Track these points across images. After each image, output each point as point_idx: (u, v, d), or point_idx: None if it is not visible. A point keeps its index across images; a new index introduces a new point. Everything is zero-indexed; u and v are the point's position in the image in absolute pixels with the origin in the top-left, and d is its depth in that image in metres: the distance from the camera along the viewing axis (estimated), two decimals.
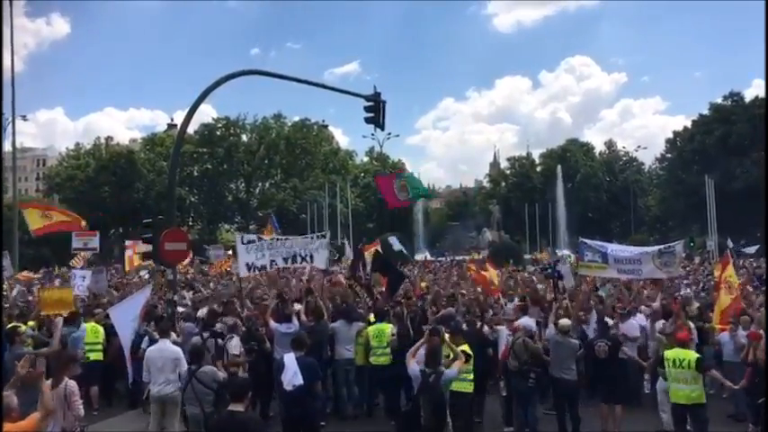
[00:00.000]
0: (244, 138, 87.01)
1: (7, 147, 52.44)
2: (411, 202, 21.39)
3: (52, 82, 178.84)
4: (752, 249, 41.89)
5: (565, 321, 11.16)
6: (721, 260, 16.91)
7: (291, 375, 8.51)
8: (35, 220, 21.44)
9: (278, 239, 15.80)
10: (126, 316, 11.60)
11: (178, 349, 10.32)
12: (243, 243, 14.93)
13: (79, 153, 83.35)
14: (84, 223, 23.23)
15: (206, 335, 11.76)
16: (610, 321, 12.81)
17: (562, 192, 74.78)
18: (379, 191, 19.94)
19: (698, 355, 9.97)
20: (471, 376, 10.25)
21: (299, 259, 15.06)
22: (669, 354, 10.06)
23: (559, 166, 76.94)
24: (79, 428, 7.84)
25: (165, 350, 10.11)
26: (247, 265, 14.70)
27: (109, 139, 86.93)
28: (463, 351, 10.16)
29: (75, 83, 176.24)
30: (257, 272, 15.25)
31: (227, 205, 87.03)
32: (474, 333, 11.44)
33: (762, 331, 11.52)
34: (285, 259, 14.99)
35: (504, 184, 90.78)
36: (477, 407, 11.16)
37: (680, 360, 9.77)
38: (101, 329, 12.83)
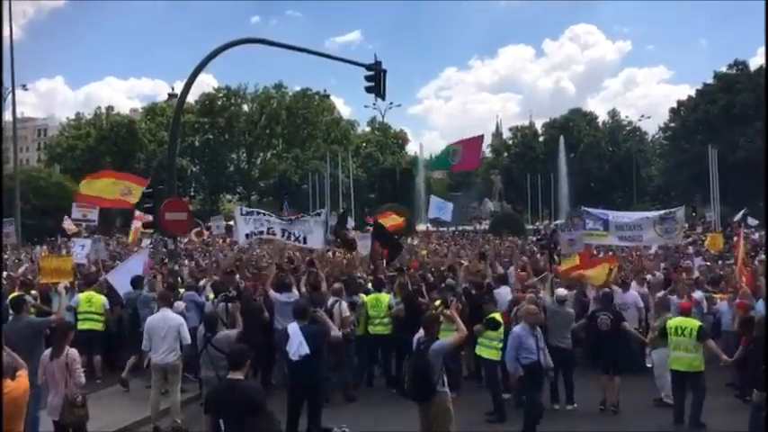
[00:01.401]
0: (245, 107, 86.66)
1: (7, 116, 52.41)
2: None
3: (52, 51, 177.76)
4: (754, 221, 41.54)
5: (561, 291, 11.31)
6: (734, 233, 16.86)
7: (297, 345, 8.62)
8: (93, 188, 19.61)
9: (278, 216, 16.02)
10: (125, 279, 11.69)
11: (180, 318, 10.44)
12: (242, 214, 15.25)
13: (80, 123, 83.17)
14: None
15: (216, 300, 11.97)
16: (615, 288, 12.93)
17: (565, 162, 74.57)
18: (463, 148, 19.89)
19: (700, 324, 10.07)
20: (501, 345, 10.43)
21: (293, 237, 15.31)
22: (671, 322, 10.19)
23: (562, 137, 76.60)
24: (80, 396, 7.89)
25: (168, 319, 10.24)
26: (246, 234, 14.97)
27: (109, 108, 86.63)
28: (493, 319, 10.34)
29: (75, 52, 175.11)
30: (255, 237, 15.54)
31: (228, 175, 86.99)
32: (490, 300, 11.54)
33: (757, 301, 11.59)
34: (283, 231, 15.26)
35: (506, 153, 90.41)
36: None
37: (682, 328, 9.89)
38: (97, 299, 12.73)
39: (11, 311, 9.70)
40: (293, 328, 8.85)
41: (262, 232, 15.32)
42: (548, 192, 70.57)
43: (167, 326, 10.11)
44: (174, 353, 10.09)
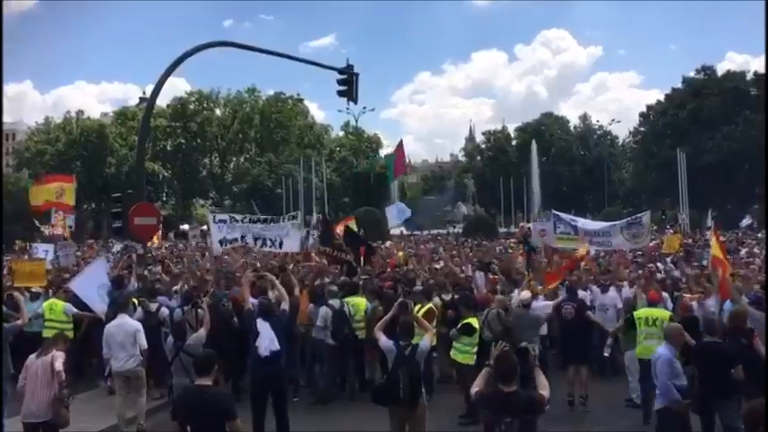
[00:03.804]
0: (217, 112, 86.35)
1: None
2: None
3: (21, 54, 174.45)
4: (746, 221, 41.64)
5: (525, 294, 11.38)
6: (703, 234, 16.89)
7: (268, 342, 8.77)
8: (38, 197, 20.36)
9: (251, 219, 15.77)
10: (90, 286, 11.54)
11: (137, 323, 10.37)
12: (215, 222, 15.12)
13: (49, 127, 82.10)
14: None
15: (187, 308, 11.85)
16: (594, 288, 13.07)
17: (537, 166, 75.21)
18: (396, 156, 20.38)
19: (670, 313, 10.25)
20: (475, 349, 10.41)
21: (268, 243, 15.14)
22: (639, 313, 10.33)
23: (534, 141, 77.28)
24: (68, 397, 7.86)
25: (125, 325, 10.15)
26: (220, 241, 14.86)
27: (80, 113, 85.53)
28: (469, 323, 10.31)
29: (44, 55, 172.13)
30: (229, 245, 15.40)
31: (200, 180, 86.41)
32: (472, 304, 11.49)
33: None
34: (256, 239, 15.08)
35: (479, 158, 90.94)
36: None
37: (653, 318, 10.06)
38: (58, 306, 12.30)
39: None
40: (263, 325, 8.93)
41: (236, 239, 15.15)
42: (520, 195, 71.15)
43: (123, 332, 10.01)
44: (133, 359, 9.98)
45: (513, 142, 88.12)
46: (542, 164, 77.92)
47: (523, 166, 76.29)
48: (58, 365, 7.81)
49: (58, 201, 20.68)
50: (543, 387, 6.00)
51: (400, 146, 20.86)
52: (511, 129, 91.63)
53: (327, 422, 10.58)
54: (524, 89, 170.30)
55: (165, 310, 11.71)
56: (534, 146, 75.80)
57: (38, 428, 7.79)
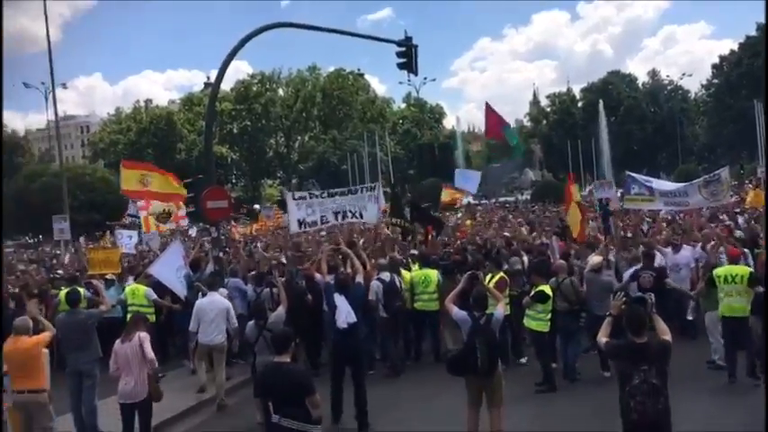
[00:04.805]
0: (280, 92, 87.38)
1: (50, 115, 53.65)
2: (507, 143, 22.79)
3: (89, 48, 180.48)
4: None
5: (596, 259, 11.18)
6: None
7: (345, 314, 9.07)
8: (129, 182, 19.58)
9: (327, 194, 15.82)
10: (169, 269, 11.93)
11: (227, 302, 10.83)
12: (294, 199, 15.22)
13: (120, 118, 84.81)
14: (182, 198, 19.56)
15: (259, 289, 12.30)
16: (665, 249, 12.76)
17: (605, 126, 73.30)
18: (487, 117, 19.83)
19: (750, 269, 9.98)
20: (548, 316, 10.44)
21: (349, 215, 15.24)
22: (720, 271, 10.11)
23: (601, 101, 75.23)
24: (156, 374, 8.25)
25: (217, 302, 10.62)
26: (299, 221, 14.95)
27: (148, 101, 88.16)
28: (542, 291, 10.27)
29: (111, 47, 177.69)
30: (308, 228, 15.49)
31: (268, 161, 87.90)
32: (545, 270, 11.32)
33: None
34: (336, 214, 15.17)
35: (545, 121, 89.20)
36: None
37: (732, 276, 9.86)
38: (140, 290, 12.68)
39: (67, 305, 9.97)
40: (340, 299, 9.21)
41: (315, 222, 15.22)
42: (589, 157, 69.57)
43: (216, 309, 10.48)
44: (221, 334, 10.49)
45: (579, 104, 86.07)
46: (610, 124, 75.90)
47: (591, 128, 74.49)
48: (147, 348, 8.12)
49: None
50: (664, 332, 6.21)
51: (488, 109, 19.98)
52: (576, 90, 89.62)
53: (402, 392, 10.70)
54: (588, 48, 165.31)
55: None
56: (601, 106, 73.82)
57: (133, 408, 8.15)
